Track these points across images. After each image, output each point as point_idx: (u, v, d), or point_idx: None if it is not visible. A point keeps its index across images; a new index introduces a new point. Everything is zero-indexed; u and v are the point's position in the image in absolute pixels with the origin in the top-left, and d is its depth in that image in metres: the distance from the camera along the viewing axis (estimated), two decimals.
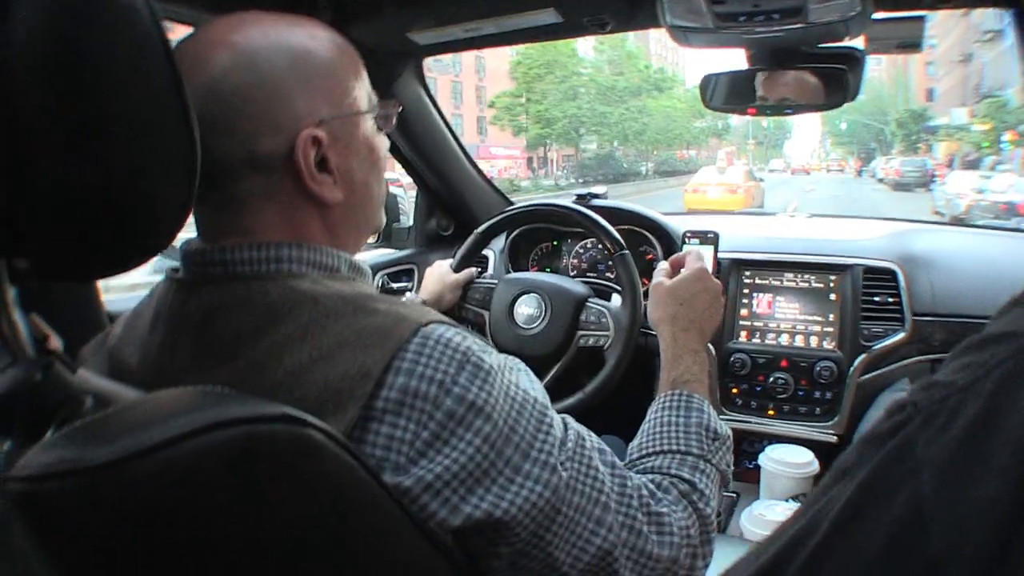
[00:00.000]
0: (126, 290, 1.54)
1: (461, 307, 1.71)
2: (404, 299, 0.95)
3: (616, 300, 1.62)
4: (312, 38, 0.79)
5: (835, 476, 0.43)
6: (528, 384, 0.79)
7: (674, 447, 0.94)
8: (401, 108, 0.94)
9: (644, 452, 0.96)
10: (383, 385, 0.69)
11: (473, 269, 1.73)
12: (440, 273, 1.69)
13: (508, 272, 1.97)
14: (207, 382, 0.61)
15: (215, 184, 0.74)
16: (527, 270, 2.08)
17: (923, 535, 0.36)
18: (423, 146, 2.07)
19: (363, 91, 0.83)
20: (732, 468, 0.99)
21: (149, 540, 0.52)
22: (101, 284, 1.28)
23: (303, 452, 0.58)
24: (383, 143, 0.88)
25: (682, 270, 1.21)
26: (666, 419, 0.98)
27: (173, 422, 0.53)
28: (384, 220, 0.92)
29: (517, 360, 0.84)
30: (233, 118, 0.73)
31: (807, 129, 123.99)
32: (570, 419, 0.83)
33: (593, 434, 0.84)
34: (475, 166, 2.23)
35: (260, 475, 0.56)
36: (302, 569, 0.59)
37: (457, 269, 1.71)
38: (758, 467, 1.62)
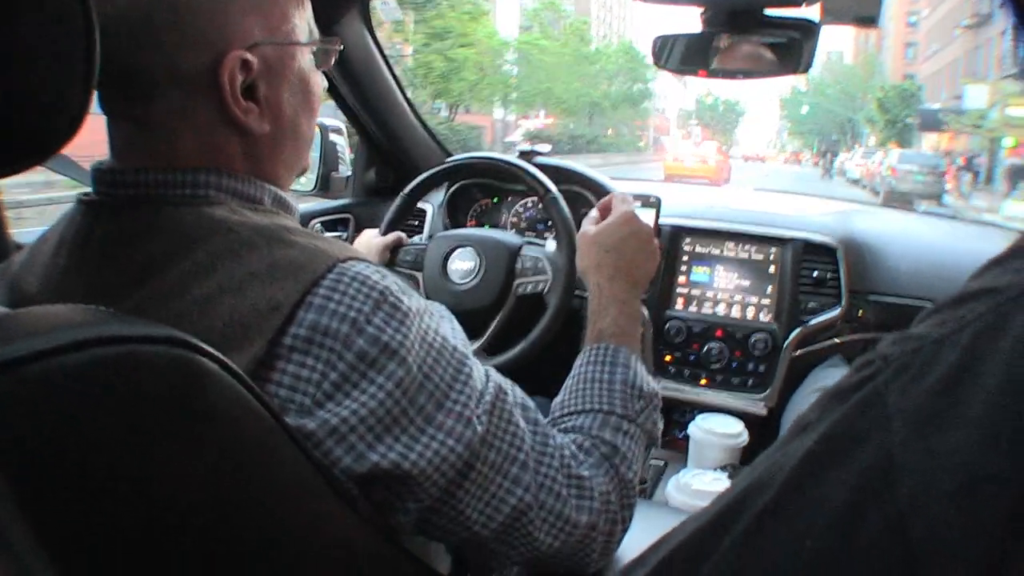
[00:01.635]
0: None
1: (392, 272, 1.64)
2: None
3: (552, 246, 1.59)
4: None
5: (792, 432, 0.41)
6: (449, 331, 0.75)
7: (597, 406, 0.89)
8: (343, 47, 0.88)
9: (566, 411, 0.91)
10: (292, 321, 0.65)
11: (401, 233, 1.67)
12: (366, 239, 1.63)
13: (446, 228, 1.92)
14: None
15: (133, 98, 0.70)
16: (465, 227, 2.03)
17: (891, 485, 0.35)
18: (365, 92, 1.99)
19: (303, 21, 0.79)
20: (660, 426, 0.95)
21: (7, 467, 0.47)
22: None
23: (190, 379, 0.53)
24: (319, 81, 0.83)
25: (609, 216, 1.14)
26: (589, 375, 0.93)
27: (43, 337, 0.47)
28: (310, 162, 0.87)
29: (442, 307, 0.80)
30: (153, 27, 0.68)
31: (763, 117, 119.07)
32: (493, 371, 0.79)
33: (518, 388, 0.80)
34: (418, 116, 2.16)
35: (137, 400, 0.51)
36: (185, 507, 0.54)
37: (384, 233, 1.65)
38: (687, 437, 1.61)
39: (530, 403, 0.81)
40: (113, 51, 0.64)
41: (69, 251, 0.71)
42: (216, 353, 0.55)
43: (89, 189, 0.74)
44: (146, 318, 0.58)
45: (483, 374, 0.76)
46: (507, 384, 0.79)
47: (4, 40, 0.50)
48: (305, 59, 0.80)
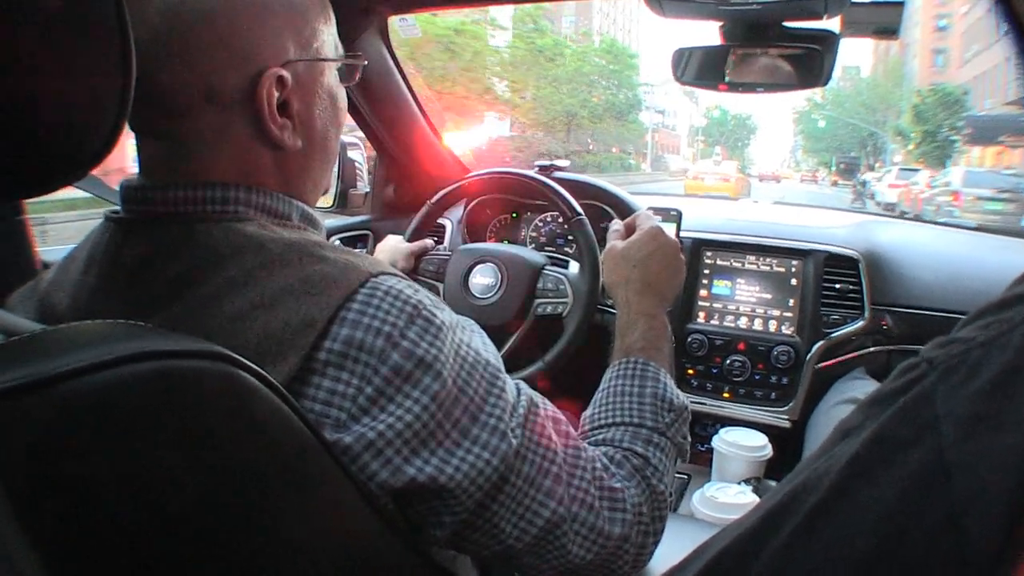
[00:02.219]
0: None
1: (414, 280, 1.64)
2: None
3: (574, 268, 1.58)
4: None
5: (835, 437, 0.41)
6: (481, 345, 0.75)
7: (627, 419, 0.90)
8: (367, 62, 0.89)
9: (596, 424, 0.91)
10: (327, 336, 0.64)
11: (428, 240, 1.67)
12: (392, 244, 1.62)
13: (465, 243, 1.92)
14: None
15: (167, 117, 0.70)
16: (485, 241, 2.03)
17: (944, 487, 0.35)
18: (384, 109, 2.00)
19: (330, 37, 0.80)
20: (689, 440, 0.95)
21: (48, 479, 0.47)
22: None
23: (230, 393, 0.53)
24: (343, 96, 0.84)
25: (636, 232, 1.15)
26: (619, 388, 0.93)
27: (82, 352, 0.47)
28: (332, 180, 0.87)
29: (472, 322, 0.80)
30: (193, 47, 0.68)
31: (777, 134, 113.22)
32: (524, 385, 0.79)
33: (548, 402, 0.80)
34: (436, 133, 2.17)
35: (177, 414, 0.51)
36: (224, 523, 0.54)
37: (410, 240, 1.65)
38: (711, 450, 1.60)
39: (561, 416, 0.80)
40: (149, 69, 0.64)
41: (99, 269, 0.71)
42: (256, 368, 0.55)
43: (117, 207, 0.74)
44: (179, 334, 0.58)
45: (515, 388, 0.76)
46: (538, 398, 0.79)
47: (40, 58, 0.51)
48: (332, 75, 0.81)
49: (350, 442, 0.64)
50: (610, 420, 0.90)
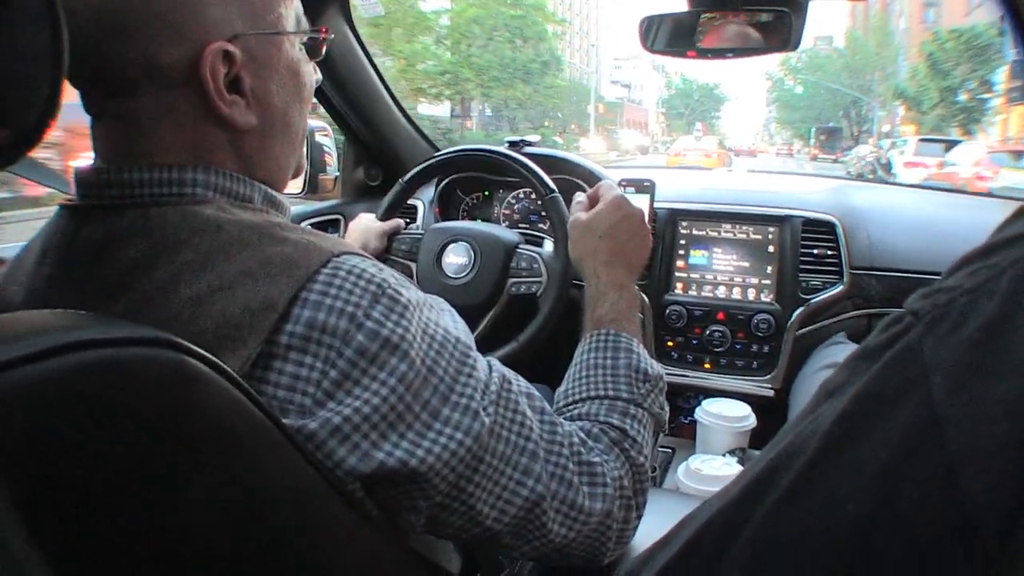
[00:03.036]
0: None
1: (386, 259, 1.61)
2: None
3: (548, 246, 1.56)
4: None
5: (820, 397, 0.40)
6: (451, 323, 0.73)
7: (602, 392, 0.88)
8: (332, 36, 0.86)
9: (571, 399, 0.90)
10: (288, 319, 0.62)
11: (399, 220, 1.64)
12: (364, 224, 1.60)
13: (437, 222, 1.90)
14: None
15: (113, 95, 0.68)
16: (458, 220, 2.00)
17: (937, 439, 0.33)
18: (349, 90, 1.96)
19: (290, 10, 0.77)
20: (667, 411, 0.94)
21: None
22: None
23: (178, 382, 0.50)
24: (310, 72, 0.81)
25: (599, 202, 1.13)
26: (593, 361, 0.92)
27: (21, 343, 0.45)
28: (305, 160, 0.85)
29: (441, 300, 0.78)
30: (131, 23, 0.66)
31: (750, 105, 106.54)
32: (495, 362, 0.77)
33: (521, 378, 0.78)
34: (404, 111, 2.14)
35: (124, 405, 0.48)
36: (180, 513, 0.52)
37: (383, 219, 1.62)
38: (694, 422, 1.59)
39: (535, 392, 0.78)
40: (90, 48, 0.62)
41: (54, 259, 0.69)
42: (206, 354, 0.53)
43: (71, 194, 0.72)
44: (135, 322, 0.55)
45: (486, 364, 0.75)
46: (511, 374, 0.77)
47: None
48: (294, 49, 0.78)
49: (315, 428, 0.62)
50: (585, 394, 0.89)
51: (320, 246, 0.68)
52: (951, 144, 17.72)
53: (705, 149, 28.47)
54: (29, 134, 0.53)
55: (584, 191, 1.86)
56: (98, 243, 0.67)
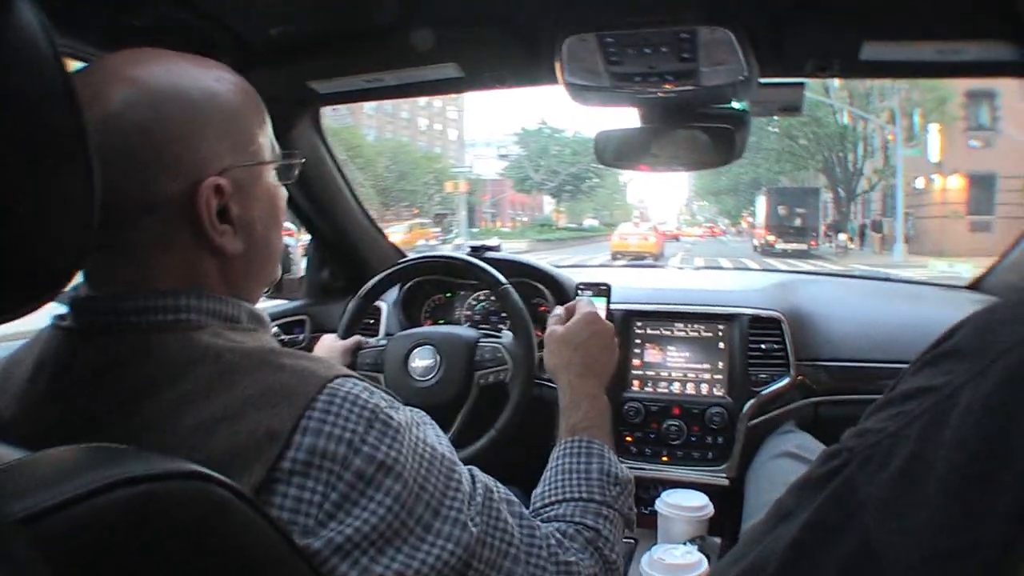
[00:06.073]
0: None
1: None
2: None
3: (508, 336, 1.64)
4: (218, 80, 0.77)
5: (776, 517, 0.47)
6: (435, 439, 0.79)
7: (576, 494, 0.95)
8: (304, 160, 0.92)
9: (547, 500, 0.96)
10: (290, 446, 0.67)
11: (359, 337, 1.70)
12: (328, 344, 1.66)
13: (402, 325, 1.96)
14: (100, 440, 0.57)
15: (106, 227, 0.66)
16: (420, 323, 2.08)
17: (872, 565, 0.40)
18: (318, 196, 2.04)
19: (267, 139, 0.81)
20: (635, 512, 1.01)
21: None
22: None
23: (208, 510, 0.54)
24: (283, 194, 0.85)
25: (574, 316, 1.24)
26: (567, 466, 0.99)
27: (76, 479, 0.48)
28: (279, 272, 0.89)
29: (422, 413, 0.83)
30: (130, 157, 0.69)
31: (671, 184, 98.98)
32: (477, 471, 0.83)
33: (500, 485, 0.84)
34: (369, 217, 2.22)
35: (164, 535, 0.52)
36: None
37: (343, 337, 1.68)
38: (654, 512, 1.64)
39: (513, 498, 0.85)
40: None
41: (50, 377, 0.71)
42: (229, 482, 0.56)
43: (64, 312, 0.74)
44: (139, 447, 0.57)
45: (469, 476, 0.80)
46: (491, 482, 0.83)
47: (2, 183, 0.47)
48: (271, 175, 0.82)
49: (319, 547, 0.66)
50: (560, 496, 0.96)
51: (314, 371, 0.72)
52: None
53: (643, 234, 31.66)
54: (64, 273, 0.53)
55: (542, 293, 1.96)
56: (97, 367, 0.69)
